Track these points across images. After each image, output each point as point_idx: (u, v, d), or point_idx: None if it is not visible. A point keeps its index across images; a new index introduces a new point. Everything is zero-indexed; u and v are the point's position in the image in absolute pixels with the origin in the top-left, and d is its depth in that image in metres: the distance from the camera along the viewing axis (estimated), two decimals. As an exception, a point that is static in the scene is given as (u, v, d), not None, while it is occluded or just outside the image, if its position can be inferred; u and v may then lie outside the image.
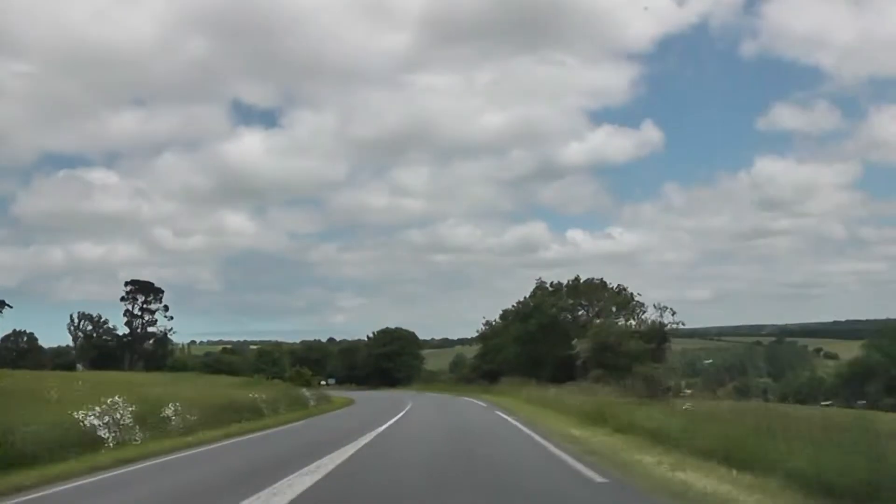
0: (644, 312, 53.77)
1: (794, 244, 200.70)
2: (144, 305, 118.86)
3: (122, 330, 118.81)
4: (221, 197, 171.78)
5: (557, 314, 59.78)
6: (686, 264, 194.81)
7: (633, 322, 54.31)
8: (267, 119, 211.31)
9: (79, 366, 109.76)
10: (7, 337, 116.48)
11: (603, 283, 61.01)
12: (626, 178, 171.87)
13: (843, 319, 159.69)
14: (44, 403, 17.97)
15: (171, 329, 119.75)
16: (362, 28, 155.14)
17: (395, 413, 28.53)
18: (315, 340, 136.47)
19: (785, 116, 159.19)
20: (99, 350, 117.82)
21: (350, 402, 43.95)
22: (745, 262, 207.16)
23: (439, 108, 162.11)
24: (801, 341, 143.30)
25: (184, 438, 17.56)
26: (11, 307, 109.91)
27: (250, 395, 27.52)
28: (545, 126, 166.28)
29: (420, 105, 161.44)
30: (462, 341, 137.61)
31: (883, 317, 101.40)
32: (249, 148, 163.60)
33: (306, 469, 11.73)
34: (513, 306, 67.16)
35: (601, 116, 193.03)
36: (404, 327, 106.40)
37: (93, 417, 14.91)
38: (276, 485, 10.06)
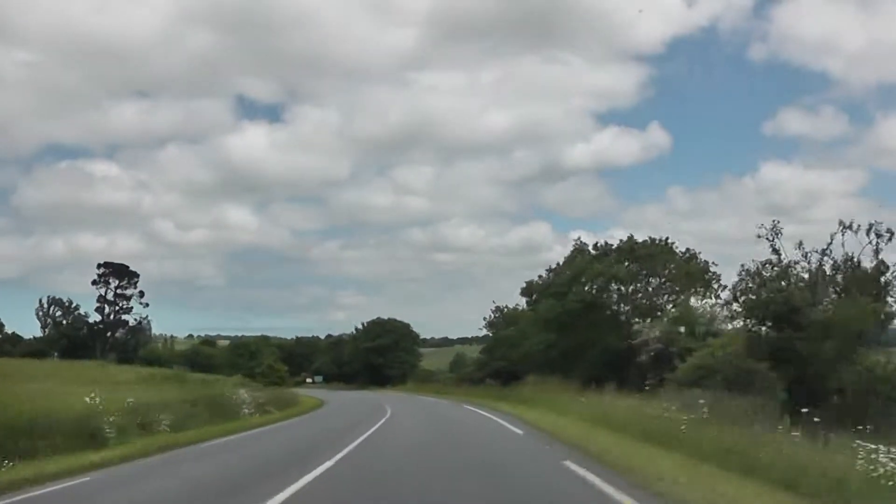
0: (723, 289, 40.15)
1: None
2: (118, 290, 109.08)
3: (95, 317, 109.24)
4: (224, 191, 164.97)
5: (606, 288, 44.72)
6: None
7: (713, 301, 40.40)
8: (270, 114, 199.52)
9: (55, 354, 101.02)
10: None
11: (668, 246, 45.26)
12: (630, 180, 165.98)
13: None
14: None
15: (147, 317, 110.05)
16: (367, 25, 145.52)
17: (347, 440, 17.37)
18: (313, 336, 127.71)
19: (792, 121, 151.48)
20: (69, 339, 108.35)
21: (306, 411, 34.62)
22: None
23: (443, 106, 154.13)
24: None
25: None
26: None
27: (128, 401, 17.51)
28: (550, 126, 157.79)
29: (424, 103, 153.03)
30: (462, 340, 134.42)
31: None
32: (252, 143, 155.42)
33: None
34: (539, 278, 52.17)
35: (607, 118, 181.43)
36: (399, 319, 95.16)
37: None
38: None
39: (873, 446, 8.92)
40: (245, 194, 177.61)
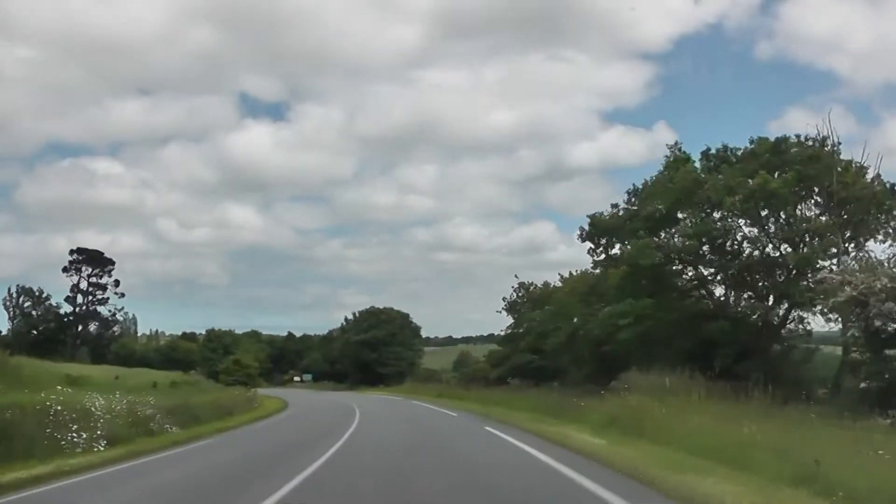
0: None
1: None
2: (92, 279, 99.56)
3: (67, 308, 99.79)
4: (227, 190, 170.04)
5: (741, 212, 28.57)
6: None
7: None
8: (274, 112, 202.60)
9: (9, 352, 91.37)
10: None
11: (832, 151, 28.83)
12: (636, 180, 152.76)
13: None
14: None
15: (123, 309, 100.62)
16: (370, 22, 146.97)
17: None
18: (305, 334, 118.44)
19: (798, 121, 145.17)
20: (38, 332, 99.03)
21: (227, 429, 23.90)
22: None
23: (447, 104, 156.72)
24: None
25: None
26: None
27: None
28: (555, 125, 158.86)
29: (428, 101, 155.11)
30: (467, 340, 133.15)
31: None
32: (256, 141, 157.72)
33: None
34: (604, 213, 33.26)
35: (613, 116, 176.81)
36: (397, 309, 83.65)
37: None
38: None
39: None
40: (248, 193, 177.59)
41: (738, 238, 30.05)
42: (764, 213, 29.05)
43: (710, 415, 14.50)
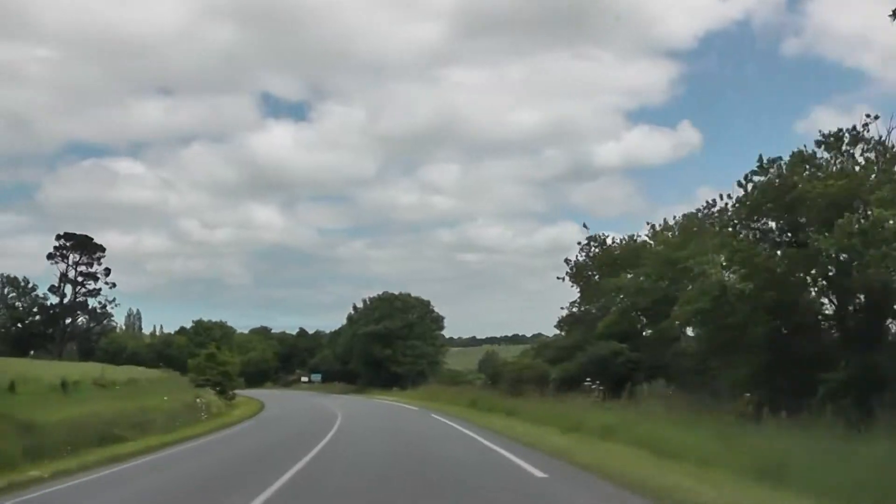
0: None
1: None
2: (81, 268, 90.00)
3: (53, 299, 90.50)
4: (249, 190, 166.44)
5: None
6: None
7: None
8: (296, 112, 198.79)
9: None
10: None
11: None
12: (660, 180, 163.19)
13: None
14: None
15: (114, 301, 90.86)
16: (392, 19, 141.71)
17: None
18: (317, 331, 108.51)
19: (824, 120, 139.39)
20: (22, 326, 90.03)
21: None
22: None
23: (470, 103, 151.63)
24: None
25: None
26: None
27: None
28: (579, 125, 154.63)
29: (451, 100, 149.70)
30: (491, 340, 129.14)
31: None
32: (278, 141, 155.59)
33: None
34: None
35: (637, 116, 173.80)
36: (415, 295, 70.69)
37: None
38: None
39: None
40: (270, 193, 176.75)
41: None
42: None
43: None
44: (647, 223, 32.40)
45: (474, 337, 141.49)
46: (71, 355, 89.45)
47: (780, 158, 19.95)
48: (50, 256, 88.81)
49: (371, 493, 10.28)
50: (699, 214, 26.52)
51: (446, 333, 79.48)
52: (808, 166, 19.44)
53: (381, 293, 68.83)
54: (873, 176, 18.24)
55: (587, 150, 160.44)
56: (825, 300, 20.34)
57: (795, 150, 19.87)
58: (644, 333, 30.42)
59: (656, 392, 24.62)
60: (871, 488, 7.93)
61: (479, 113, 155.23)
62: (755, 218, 20.30)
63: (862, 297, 19.13)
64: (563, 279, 33.63)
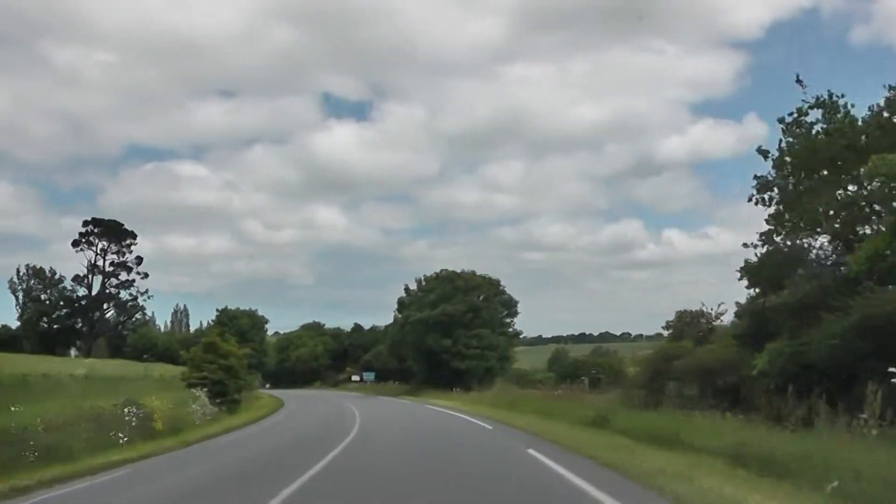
0: None
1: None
2: (110, 256, 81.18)
3: (81, 291, 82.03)
4: (312, 190, 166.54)
5: None
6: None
7: None
8: (357, 112, 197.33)
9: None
10: None
11: None
12: (726, 174, 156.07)
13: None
14: None
15: (146, 293, 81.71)
16: (452, 16, 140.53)
17: None
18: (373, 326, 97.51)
19: None
20: (48, 321, 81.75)
21: None
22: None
23: (532, 99, 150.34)
24: None
25: None
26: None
27: None
28: (642, 119, 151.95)
29: (512, 97, 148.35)
30: (557, 339, 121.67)
31: None
32: (340, 141, 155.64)
33: None
34: None
35: (702, 109, 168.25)
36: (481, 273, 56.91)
37: None
38: None
39: None
40: (333, 193, 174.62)
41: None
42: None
43: None
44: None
45: (540, 335, 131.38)
46: (101, 352, 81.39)
47: None
48: (75, 244, 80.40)
49: None
50: None
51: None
52: None
53: (438, 271, 55.14)
54: None
55: (651, 144, 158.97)
56: None
57: None
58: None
59: None
60: None
61: (540, 109, 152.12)
62: None
63: None
64: (753, 199, 18.75)
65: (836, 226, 16.82)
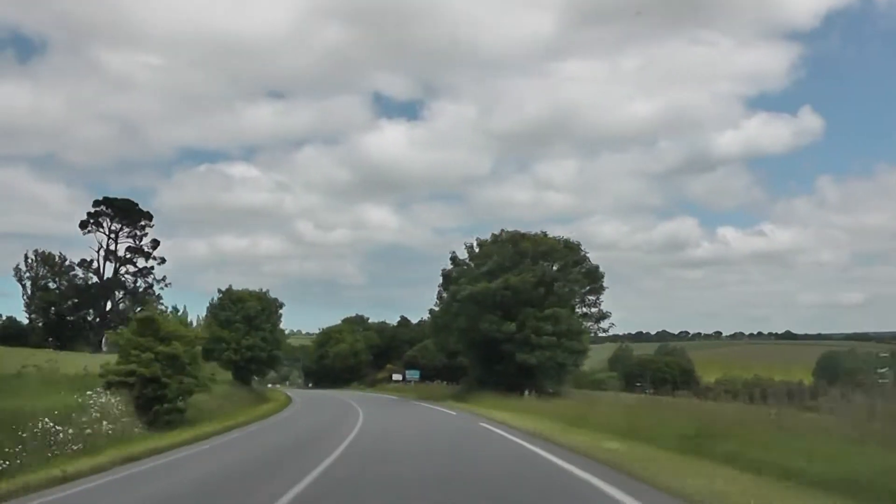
0: None
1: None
2: (122, 237, 71.81)
3: (92, 278, 72.77)
4: (363, 190, 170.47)
5: None
6: (840, 266, 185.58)
7: None
8: (408, 111, 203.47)
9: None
10: None
11: None
12: (780, 170, 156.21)
13: None
14: None
15: (164, 280, 72.19)
16: (501, 13, 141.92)
17: None
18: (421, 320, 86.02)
19: None
20: (56, 312, 72.66)
21: None
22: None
23: (583, 96, 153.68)
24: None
25: None
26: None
27: None
28: (696, 114, 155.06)
29: (564, 94, 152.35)
30: (613, 338, 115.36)
31: None
32: (391, 141, 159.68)
33: None
34: None
35: (756, 103, 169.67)
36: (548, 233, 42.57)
37: None
38: None
39: None
40: (384, 193, 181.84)
41: None
42: None
43: None
44: None
45: (596, 334, 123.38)
46: (111, 348, 72.58)
47: None
48: (83, 225, 71.07)
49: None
50: None
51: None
52: None
53: (498, 232, 40.93)
54: None
55: (704, 140, 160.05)
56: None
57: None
58: None
59: None
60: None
61: (592, 106, 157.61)
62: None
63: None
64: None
65: None
